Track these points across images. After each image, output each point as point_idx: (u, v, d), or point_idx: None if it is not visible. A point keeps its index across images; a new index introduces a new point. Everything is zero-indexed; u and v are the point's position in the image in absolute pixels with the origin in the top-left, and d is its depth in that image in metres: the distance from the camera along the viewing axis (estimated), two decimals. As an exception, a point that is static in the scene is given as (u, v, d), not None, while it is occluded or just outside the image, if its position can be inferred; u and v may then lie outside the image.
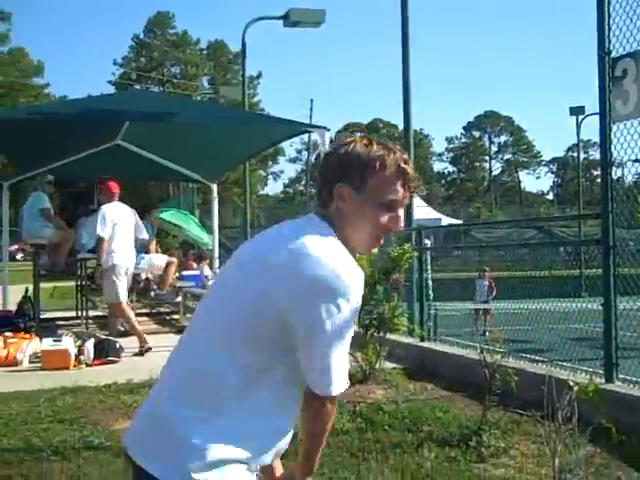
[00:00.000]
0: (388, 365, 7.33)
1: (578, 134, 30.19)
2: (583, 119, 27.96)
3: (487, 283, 14.49)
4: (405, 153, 2.02)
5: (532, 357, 6.87)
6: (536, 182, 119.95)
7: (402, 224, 2.01)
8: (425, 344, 8.06)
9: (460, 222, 33.62)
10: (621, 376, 5.42)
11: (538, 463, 4.43)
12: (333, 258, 1.84)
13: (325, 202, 1.99)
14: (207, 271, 14.34)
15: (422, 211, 32.20)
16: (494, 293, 14.10)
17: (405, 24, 10.20)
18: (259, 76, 66.54)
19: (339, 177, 1.95)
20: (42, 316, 11.64)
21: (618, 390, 5.19)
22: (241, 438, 1.86)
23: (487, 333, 9.28)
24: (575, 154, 55.79)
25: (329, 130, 10.24)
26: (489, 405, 5.02)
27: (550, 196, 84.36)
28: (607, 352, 5.44)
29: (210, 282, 13.95)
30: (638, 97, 5.09)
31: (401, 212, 1.99)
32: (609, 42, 5.44)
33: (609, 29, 5.43)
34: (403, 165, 1.97)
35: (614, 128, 5.42)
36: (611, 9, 5.44)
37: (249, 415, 1.87)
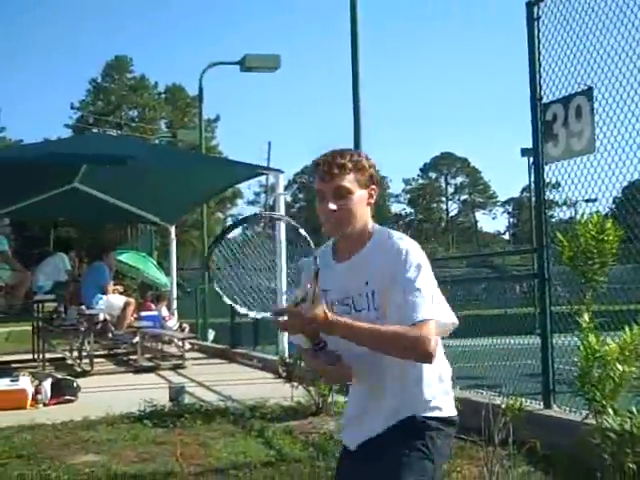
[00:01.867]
0: (340, 398, 7.54)
1: (529, 175, 30.99)
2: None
3: None
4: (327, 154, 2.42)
5: (478, 390, 7.10)
6: (492, 222, 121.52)
7: (331, 206, 2.34)
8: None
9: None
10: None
11: (478, 484, 4.65)
12: None
13: None
14: (165, 312, 14.44)
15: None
16: None
17: (355, 65, 10.49)
18: (217, 119, 66.97)
19: None
20: (-1, 359, 11.63)
21: (555, 415, 5.47)
22: None
23: None
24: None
25: (283, 172, 10.53)
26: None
27: (507, 236, 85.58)
28: (545, 380, 5.73)
29: (168, 322, 14.08)
30: (567, 140, 5.45)
31: (328, 197, 2.35)
32: (540, 88, 5.81)
33: (540, 77, 5.81)
34: (315, 161, 2.41)
35: (568, 169, 5.63)
36: (541, 58, 5.82)
37: None
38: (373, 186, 2.43)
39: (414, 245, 2.36)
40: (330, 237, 2.48)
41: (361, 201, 2.39)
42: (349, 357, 2.36)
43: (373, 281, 2.35)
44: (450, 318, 2.41)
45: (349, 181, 2.35)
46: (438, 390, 2.43)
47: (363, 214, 2.40)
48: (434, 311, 2.27)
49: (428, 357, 2.24)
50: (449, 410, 2.44)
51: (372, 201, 2.43)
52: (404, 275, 2.28)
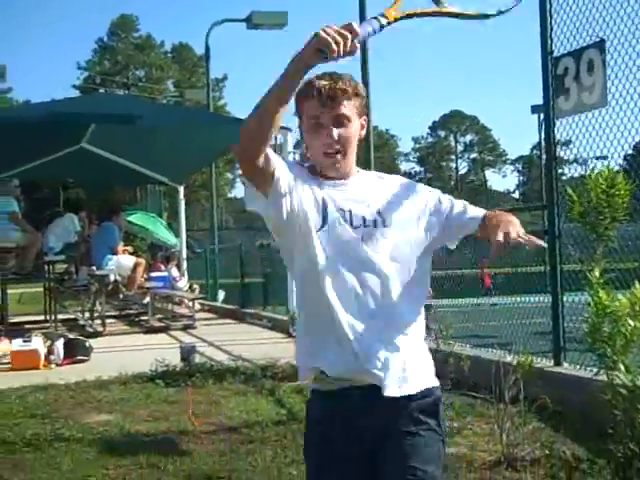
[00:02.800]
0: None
1: (540, 132, 30.74)
2: (545, 117, 28.41)
3: None
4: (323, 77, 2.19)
5: (489, 348, 7.11)
6: (502, 181, 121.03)
7: (334, 136, 2.16)
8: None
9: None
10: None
11: (489, 441, 4.68)
12: None
13: None
14: (175, 272, 14.50)
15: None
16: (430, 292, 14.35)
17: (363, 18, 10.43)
18: (224, 79, 66.59)
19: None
20: (10, 320, 11.72)
21: (565, 372, 5.48)
22: None
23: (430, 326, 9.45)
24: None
25: (291, 130, 10.45)
26: (444, 389, 5.26)
27: (516, 194, 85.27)
28: (555, 337, 5.73)
29: (178, 283, 14.14)
30: (578, 94, 5.37)
31: (328, 125, 2.17)
32: (551, 42, 5.71)
33: (551, 30, 5.71)
34: (307, 81, 2.15)
35: (580, 125, 5.54)
36: (553, 11, 5.72)
37: None
38: (365, 117, 2.27)
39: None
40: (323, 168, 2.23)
41: (357, 131, 2.23)
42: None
43: (376, 203, 2.20)
44: None
45: (350, 108, 2.19)
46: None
47: (355, 146, 2.24)
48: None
49: None
50: None
51: (363, 133, 2.27)
52: (437, 196, 2.30)
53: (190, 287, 14.67)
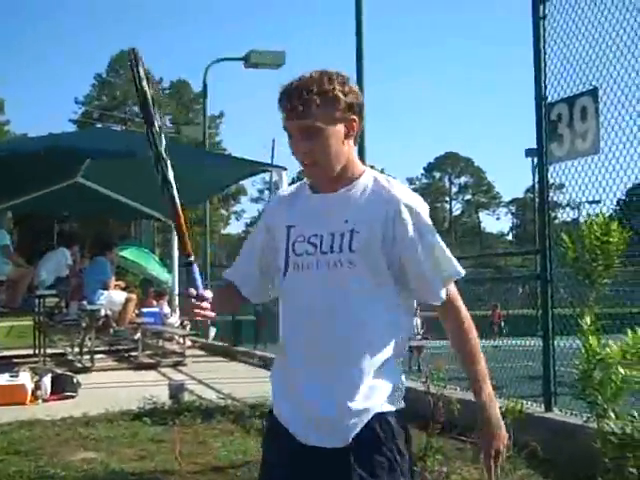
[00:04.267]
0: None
1: (534, 175, 30.96)
2: (538, 161, 28.66)
3: (420, 321, 14.83)
4: (290, 85, 2.06)
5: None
6: (496, 223, 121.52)
7: (300, 150, 2.07)
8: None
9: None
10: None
11: (478, 486, 4.63)
12: None
13: None
14: (166, 308, 14.43)
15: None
16: (422, 331, 14.41)
17: (360, 64, 10.46)
18: (221, 116, 67.07)
19: None
20: (-1, 354, 11.62)
21: (556, 418, 5.44)
22: None
23: (422, 367, 9.41)
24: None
25: (286, 169, 10.49)
26: (433, 432, 5.22)
27: (510, 237, 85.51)
28: (546, 382, 5.70)
29: (170, 319, 14.06)
30: (571, 141, 5.42)
31: (296, 138, 2.06)
32: (545, 88, 5.78)
33: (545, 76, 5.78)
34: (280, 90, 2.07)
35: (572, 171, 5.59)
36: (547, 58, 5.79)
37: None
38: (353, 116, 2.06)
39: (420, 200, 2.14)
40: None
41: (336, 138, 2.03)
42: (297, 324, 2.12)
43: (356, 221, 2.05)
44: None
45: (318, 118, 2.00)
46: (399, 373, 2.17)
47: (342, 152, 2.06)
48: (454, 270, 2.14)
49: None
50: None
51: (354, 133, 2.09)
52: (417, 239, 2.06)
53: (181, 324, 14.57)
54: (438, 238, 2.13)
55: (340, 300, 2.05)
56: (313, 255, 2.08)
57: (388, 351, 2.09)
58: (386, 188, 2.10)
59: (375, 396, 2.06)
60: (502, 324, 13.33)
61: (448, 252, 2.14)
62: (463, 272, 2.14)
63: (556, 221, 6.12)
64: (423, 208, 2.12)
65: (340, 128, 2.05)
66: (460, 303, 2.16)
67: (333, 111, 2.02)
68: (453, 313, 2.15)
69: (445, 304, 2.13)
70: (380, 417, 2.05)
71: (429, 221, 2.12)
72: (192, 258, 2.20)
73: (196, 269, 2.19)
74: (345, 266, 2.04)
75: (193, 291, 2.11)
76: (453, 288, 2.16)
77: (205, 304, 2.10)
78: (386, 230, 2.05)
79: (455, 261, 2.15)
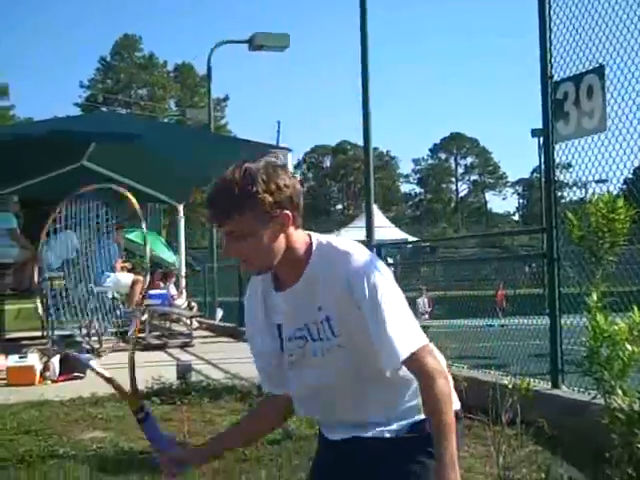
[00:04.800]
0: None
1: (540, 155, 30.84)
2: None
3: (426, 301, 14.89)
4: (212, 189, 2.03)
5: (485, 370, 7.09)
6: (502, 203, 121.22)
7: (228, 253, 2.05)
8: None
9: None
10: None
11: (485, 463, 4.66)
12: None
13: None
14: (173, 290, 14.49)
15: (388, 232, 32.62)
16: (429, 310, 14.48)
17: (365, 44, 10.41)
18: (226, 98, 66.98)
19: None
20: (7, 336, 11.68)
21: (563, 395, 5.46)
22: None
23: None
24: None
25: (291, 151, 10.52)
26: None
27: (516, 217, 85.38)
28: (553, 359, 5.72)
29: (176, 301, 14.13)
30: (577, 119, 5.40)
31: (225, 240, 2.03)
32: (551, 67, 5.75)
33: (551, 55, 5.75)
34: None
35: (579, 149, 5.56)
36: (552, 36, 5.76)
37: None
38: (284, 212, 1.98)
39: (367, 261, 2.03)
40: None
41: (270, 237, 1.98)
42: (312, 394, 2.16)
43: (326, 306, 2.04)
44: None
45: (243, 224, 1.96)
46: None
47: (279, 246, 2.01)
48: (418, 338, 2.01)
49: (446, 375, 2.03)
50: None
51: (291, 224, 2.01)
52: (371, 309, 1.98)
53: (188, 305, 14.65)
54: (397, 307, 2.02)
55: (343, 379, 2.11)
56: (303, 348, 2.10)
57: (402, 394, 2.14)
58: (334, 263, 2.03)
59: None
60: (504, 304, 13.34)
61: (409, 321, 2.03)
62: (423, 340, 2.01)
63: (563, 201, 6.11)
64: (376, 275, 2.01)
65: (269, 226, 1.99)
66: (435, 376, 1.98)
67: (258, 213, 1.96)
68: (423, 380, 2.01)
69: (414, 371, 2.02)
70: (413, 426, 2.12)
71: (387, 287, 2.02)
72: (144, 411, 2.29)
73: (152, 420, 2.28)
74: (336, 350, 2.06)
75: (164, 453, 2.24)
76: (425, 355, 2.00)
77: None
78: (351, 306, 2.01)
79: (416, 331, 2.03)
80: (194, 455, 2.36)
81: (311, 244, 2.07)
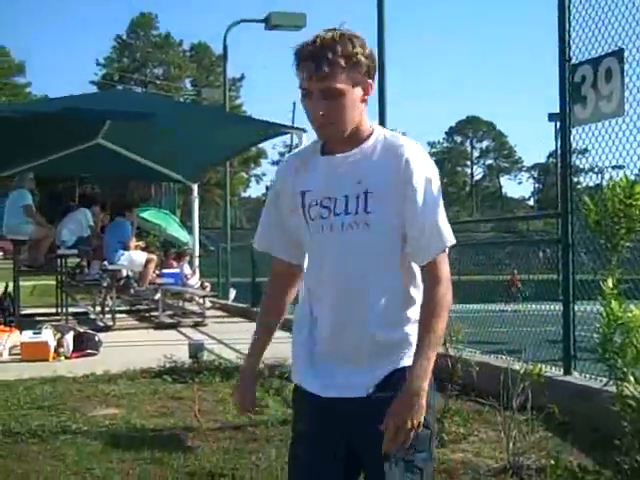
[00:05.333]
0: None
1: (556, 140, 30.64)
2: (562, 125, 28.36)
3: None
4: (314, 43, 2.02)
5: (497, 355, 7.07)
6: (518, 187, 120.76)
7: (318, 112, 2.03)
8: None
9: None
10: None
11: (495, 448, 4.66)
12: None
13: None
14: (187, 269, 14.52)
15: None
16: None
17: (381, 28, 10.36)
18: (242, 78, 66.77)
19: None
20: (22, 312, 11.77)
21: (575, 381, 5.45)
22: None
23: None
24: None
25: (306, 132, 10.43)
26: (452, 394, 5.24)
27: (531, 202, 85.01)
28: (565, 346, 5.70)
29: (190, 280, 14.17)
30: (595, 102, 5.34)
31: (315, 98, 2.02)
32: (569, 49, 5.68)
33: (569, 37, 5.68)
34: (299, 47, 2.04)
35: (596, 134, 5.47)
36: (571, 18, 5.68)
37: None
38: (369, 80, 2.07)
39: (428, 158, 2.11)
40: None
41: (354, 100, 2.05)
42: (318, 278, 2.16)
43: (369, 182, 2.06)
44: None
45: (341, 81, 2.01)
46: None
47: (356, 114, 2.07)
48: (448, 237, 2.08)
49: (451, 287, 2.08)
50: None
51: (367, 97, 2.09)
52: (420, 195, 2.04)
53: (201, 285, 14.69)
54: (441, 204, 2.10)
55: (354, 258, 2.09)
56: (327, 218, 2.11)
57: (408, 310, 2.12)
58: (396, 146, 2.09)
59: (397, 347, 2.10)
60: (519, 289, 13.25)
61: (445, 221, 2.10)
62: (453, 240, 2.10)
63: (579, 186, 6.05)
64: (432, 169, 2.10)
65: (358, 91, 2.06)
66: (444, 282, 2.07)
67: (355, 74, 2.03)
68: (432, 289, 2.06)
69: (429, 270, 2.07)
70: (402, 370, 2.07)
71: (436, 184, 2.09)
72: None
73: None
74: (361, 227, 2.07)
75: None
76: (444, 261, 2.09)
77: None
78: (397, 189, 2.05)
79: (449, 230, 2.11)
80: (250, 384, 2.35)
81: (374, 129, 2.14)
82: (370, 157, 2.09)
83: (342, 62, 2.00)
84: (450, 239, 2.09)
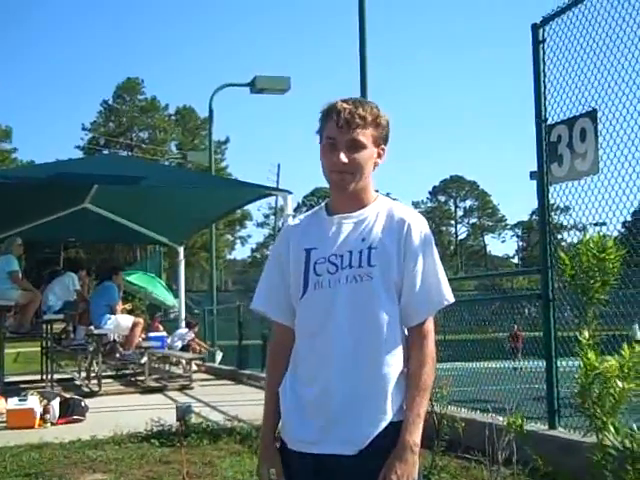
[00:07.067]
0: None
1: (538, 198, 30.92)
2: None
3: None
4: (347, 101, 2.28)
5: (481, 408, 7.08)
6: (502, 246, 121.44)
7: (342, 158, 2.23)
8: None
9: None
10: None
11: (483, 504, 4.67)
12: None
13: None
14: (190, 335, 14.55)
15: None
16: None
17: (364, 91, 10.60)
18: (227, 141, 67.50)
19: None
20: (6, 380, 11.67)
21: (560, 435, 5.48)
22: None
23: None
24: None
25: (292, 193, 10.58)
26: (438, 451, 5.26)
27: (516, 259, 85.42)
28: (549, 400, 5.74)
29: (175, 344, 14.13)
30: (571, 161, 5.50)
31: (341, 148, 2.23)
32: (545, 110, 5.87)
33: (545, 98, 5.87)
34: (332, 103, 2.28)
35: (579, 190, 5.60)
36: (547, 80, 5.88)
37: None
38: (383, 145, 2.32)
39: (424, 221, 2.32)
40: (335, 190, 2.33)
41: (370, 158, 2.27)
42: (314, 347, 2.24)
43: (371, 239, 2.24)
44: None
45: (365, 135, 2.24)
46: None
47: (368, 171, 2.28)
48: (444, 294, 2.26)
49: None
50: None
51: (379, 161, 2.32)
52: (416, 256, 2.23)
53: (199, 351, 14.69)
54: (439, 264, 2.28)
55: (359, 310, 2.20)
56: (334, 274, 2.24)
57: (400, 361, 2.22)
58: (398, 211, 2.30)
59: (391, 404, 2.18)
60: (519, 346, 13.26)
61: (445, 280, 2.28)
62: (452, 298, 2.27)
63: (563, 243, 6.16)
64: (430, 235, 2.30)
65: (374, 153, 2.29)
66: (432, 336, 2.25)
67: (377, 135, 2.28)
68: (422, 342, 2.23)
69: (419, 331, 2.24)
70: (395, 426, 2.16)
71: (434, 245, 2.30)
72: None
73: None
74: (364, 280, 2.21)
75: None
76: (431, 320, 2.27)
77: None
78: (399, 247, 2.23)
79: (448, 288, 2.29)
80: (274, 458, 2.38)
81: (377, 195, 2.36)
82: (374, 219, 2.27)
83: (370, 119, 2.25)
84: (449, 297, 2.27)
